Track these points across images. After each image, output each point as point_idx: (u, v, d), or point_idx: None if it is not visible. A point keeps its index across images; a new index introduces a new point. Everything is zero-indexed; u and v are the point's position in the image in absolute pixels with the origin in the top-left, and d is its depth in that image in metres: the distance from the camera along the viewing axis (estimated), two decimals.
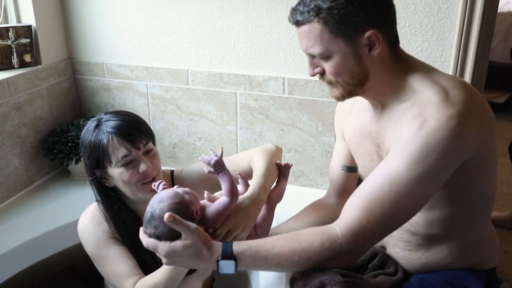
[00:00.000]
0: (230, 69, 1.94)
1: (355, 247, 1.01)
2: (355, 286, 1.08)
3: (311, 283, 1.09)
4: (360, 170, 1.30)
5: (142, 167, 1.28)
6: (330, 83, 1.11)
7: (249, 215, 1.18)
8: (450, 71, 1.68)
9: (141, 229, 1.09)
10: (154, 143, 1.38)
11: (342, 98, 1.12)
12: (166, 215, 1.01)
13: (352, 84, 1.09)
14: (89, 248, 1.38)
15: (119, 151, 1.28)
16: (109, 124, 1.29)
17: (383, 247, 1.29)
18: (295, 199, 1.95)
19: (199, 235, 1.02)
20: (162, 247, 1.02)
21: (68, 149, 1.98)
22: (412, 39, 1.69)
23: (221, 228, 1.12)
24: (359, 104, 1.24)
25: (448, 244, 1.17)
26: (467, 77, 1.67)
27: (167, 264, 1.06)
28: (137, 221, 1.36)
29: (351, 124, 1.28)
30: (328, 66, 1.07)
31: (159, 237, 1.06)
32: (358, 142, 1.25)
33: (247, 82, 1.91)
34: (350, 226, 1.01)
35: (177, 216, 1.01)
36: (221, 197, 1.14)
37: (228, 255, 1.01)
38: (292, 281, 1.17)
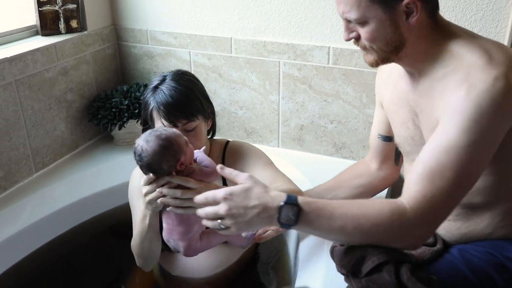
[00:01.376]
0: (274, 37, 1.93)
1: (423, 221, 0.99)
2: (398, 256, 1.08)
3: (353, 251, 1.10)
4: (396, 138, 1.30)
5: None
6: (364, 48, 1.11)
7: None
8: (505, 42, 1.63)
9: (193, 197, 1.11)
10: (209, 118, 1.46)
11: (376, 64, 1.13)
12: (218, 166, 1.10)
13: (387, 51, 1.09)
14: (128, 193, 1.53)
15: (158, 122, 1.38)
16: (160, 96, 1.37)
17: None
18: (336, 171, 1.95)
19: (256, 180, 1.04)
20: (220, 192, 1.02)
21: (112, 114, 2.04)
22: (466, 8, 1.64)
23: (192, 182, 1.20)
24: (397, 71, 1.24)
25: (488, 213, 1.17)
26: None
27: (226, 213, 1.00)
28: None
29: (389, 92, 1.29)
30: (363, 32, 1.07)
31: (139, 155, 1.17)
32: (395, 111, 1.26)
33: (291, 51, 1.91)
34: (416, 199, 1.00)
35: (226, 168, 1.09)
36: (208, 170, 1.24)
37: (292, 201, 0.99)
38: (333, 249, 1.19)
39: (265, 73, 2.00)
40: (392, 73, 1.27)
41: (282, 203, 0.99)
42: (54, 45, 1.92)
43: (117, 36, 2.25)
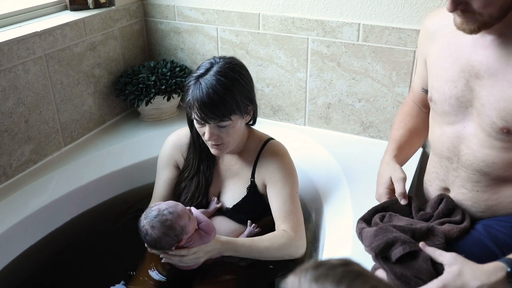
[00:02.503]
0: (303, 13, 1.93)
1: None
2: (430, 242, 1.09)
3: (383, 234, 1.11)
4: (434, 94, 1.27)
5: (205, 134, 1.45)
6: (468, 16, 1.08)
7: (207, 255, 1.42)
8: None
9: None
10: (247, 114, 1.49)
11: (476, 31, 1.10)
12: (421, 244, 1.08)
13: (495, 17, 1.07)
14: (158, 158, 1.66)
15: (193, 113, 1.44)
16: (197, 92, 1.40)
17: (447, 189, 1.30)
18: (363, 150, 1.97)
19: (463, 258, 1.03)
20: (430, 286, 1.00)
21: (139, 90, 2.07)
22: None
23: (184, 251, 1.37)
24: (452, 29, 1.20)
25: None
26: None
27: None
28: (204, 158, 1.58)
29: (437, 47, 1.26)
30: (478, 1, 1.04)
31: (144, 236, 1.34)
32: (444, 67, 1.23)
33: (320, 28, 1.90)
34: None
35: (428, 247, 1.08)
36: (206, 235, 1.40)
37: None
38: (361, 230, 1.19)
39: (293, 50, 1.99)
40: (442, 28, 1.24)
41: (509, 270, 0.96)
42: (82, 20, 1.95)
43: (144, 11, 2.27)
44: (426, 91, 1.40)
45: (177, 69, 2.16)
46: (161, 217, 1.32)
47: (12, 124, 1.74)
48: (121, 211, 1.98)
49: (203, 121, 1.42)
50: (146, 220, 1.34)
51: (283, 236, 1.48)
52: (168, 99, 2.11)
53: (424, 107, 1.47)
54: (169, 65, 2.16)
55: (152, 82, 2.08)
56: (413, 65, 1.81)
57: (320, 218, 1.70)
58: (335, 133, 2.06)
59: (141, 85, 2.08)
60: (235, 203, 1.57)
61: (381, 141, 1.98)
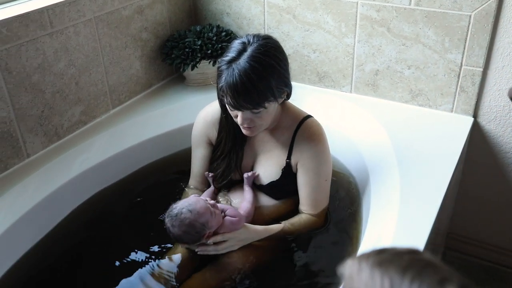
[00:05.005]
0: None
1: None
2: None
3: None
4: None
5: (238, 119, 1.42)
6: None
7: (240, 243, 1.45)
8: None
9: None
10: (281, 97, 1.44)
11: None
12: None
13: None
14: (192, 136, 1.69)
15: (225, 100, 1.40)
16: (230, 79, 1.33)
17: None
18: (411, 119, 1.94)
19: None
20: None
21: (185, 54, 2.09)
22: None
23: (219, 236, 1.41)
24: None
25: None
26: None
27: None
28: (237, 136, 1.57)
29: None
30: None
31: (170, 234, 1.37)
32: None
33: None
34: None
35: None
36: (236, 220, 1.43)
37: None
38: None
39: (341, 15, 1.96)
40: None
41: None
42: None
43: None
44: None
45: (223, 33, 2.16)
46: (180, 215, 1.36)
47: (64, 85, 1.79)
48: (166, 173, 2.03)
49: (236, 109, 1.38)
50: (168, 218, 1.38)
51: (312, 221, 1.56)
52: (214, 64, 2.12)
53: None
54: (215, 29, 2.16)
55: (198, 47, 2.09)
56: (467, 30, 1.75)
57: (365, 187, 1.70)
58: (382, 101, 2.02)
59: (187, 50, 2.10)
60: (269, 181, 1.57)
61: (430, 110, 1.94)
